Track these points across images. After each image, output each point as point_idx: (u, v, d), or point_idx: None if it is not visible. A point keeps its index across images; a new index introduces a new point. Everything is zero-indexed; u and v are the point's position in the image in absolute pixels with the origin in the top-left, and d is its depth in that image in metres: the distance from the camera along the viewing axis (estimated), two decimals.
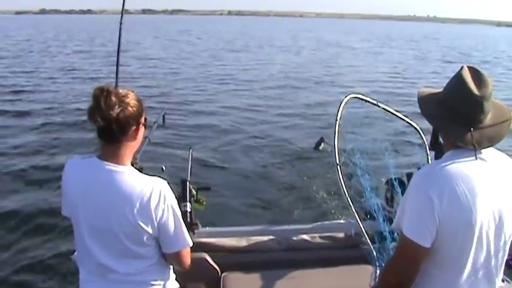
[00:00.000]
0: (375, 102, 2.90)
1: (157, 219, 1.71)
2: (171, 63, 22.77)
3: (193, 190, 2.64)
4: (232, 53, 29.96)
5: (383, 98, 9.06)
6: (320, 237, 2.99)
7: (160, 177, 1.79)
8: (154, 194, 1.69)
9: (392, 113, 2.99)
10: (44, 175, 6.97)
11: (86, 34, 45.58)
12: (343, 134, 2.85)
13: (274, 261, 2.88)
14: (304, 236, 2.98)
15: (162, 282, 1.87)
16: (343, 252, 2.92)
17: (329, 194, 5.95)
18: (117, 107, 1.64)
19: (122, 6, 3.39)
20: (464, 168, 1.54)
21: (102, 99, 1.62)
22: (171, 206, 1.75)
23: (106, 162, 1.71)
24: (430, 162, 2.93)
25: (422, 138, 3.08)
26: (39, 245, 4.97)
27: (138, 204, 1.67)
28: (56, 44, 33.41)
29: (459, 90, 1.59)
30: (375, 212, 2.72)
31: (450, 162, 1.56)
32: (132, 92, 1.75)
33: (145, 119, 1.80)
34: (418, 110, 1.70)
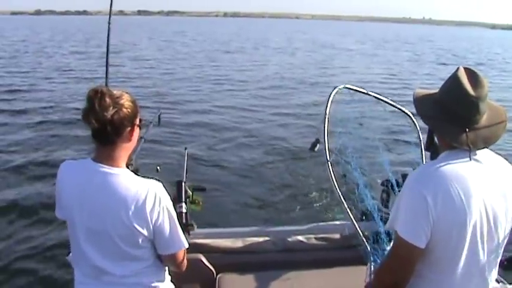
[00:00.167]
0: (365, 91, 2.91)
1: (153, 221, 1.71)
2: (167, 64, 22.78)
3: (188, 191, 2.63)
4: (228, 54, 29.96)
5: None
6: (315, 238, 2.99)
7: (155, 178, 1.79)
8: (150, 197, 1.69)
9: (383, 100, 3.01)
10: (40, 170, 7.18)
11: (82, 35, 45.47)
12: (336, 134, 2.86)
13: (269, 262, 2.87)
14: (300, 237, 2.98)
15: (157, 284, 1.86)
16: (339, 253, 2.92)
17: (325, 195, 5.94)
18: (111, 108, 1.63)
19: (109, 7, 3.37)
20: (459, 169, 1.54)
21: (96, 100, 1.61)
22: (167, 208, 1.75)
23: (101, 165, 1.70)
24: (423, 155, 2.96)
25: (414, 123, 3.09)
26: (36, 236, 5.16)
27: (133, 207, 1.66)
28: (52, 44, 33.35)
29: (455, 90, 1.59)
30: (371, 212, 2.73)
31: (445, 163, 1.56)
32: (127, 93, 1.74)
33: (140, 120, 1.79)
34: (413, 111, 1.70)
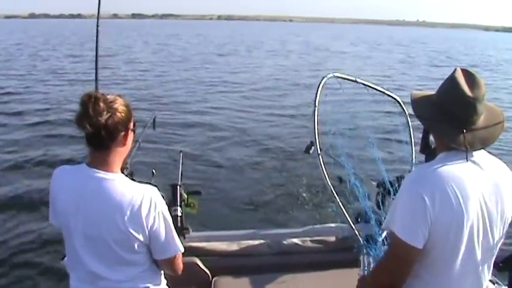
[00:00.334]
0: (353, 79, 2.94)
1: (149, 226, 1.70)
2: (161, 67, 22.76)
3: (184, 194, 2.63)
4: (222, 57, 29.95)
5: None
6: (311, 240, 2.99)
7: (150, 183, 1.78)
8: (145, 202, 1.68)
9: (371, 87, 3.05)
10: (37, 168, 7.41)
11: (76, 38, 45.32)
12: (327, 131, 2.87)
13: (265, 265, 2.87)
14: (295, 240, 2.98)
15: None
16: (334, 256, 2.92)
17: (320, 197, 5.95)
18: (105, 113, 1.62)
19: (97, 10, 3.33)
20: (456, 170, 1.54)
21: (90, 105, 1.60)
22: (162, 213, 1.74)
23: (96, 170, 1.69)
24: (412, 137, 3.05)
25: (402, 108, 3.14)
26: (33, 231, 5.29)
27: (128, 212, 1.66)
28: (46, 47, 33.24)
29: (452, 91, 1.59)
30: (366, 214, 2.73)
31: (442, 164, 1.57)
32: (120, 97, 1.73)
33: (134, 124, 1.78)
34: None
